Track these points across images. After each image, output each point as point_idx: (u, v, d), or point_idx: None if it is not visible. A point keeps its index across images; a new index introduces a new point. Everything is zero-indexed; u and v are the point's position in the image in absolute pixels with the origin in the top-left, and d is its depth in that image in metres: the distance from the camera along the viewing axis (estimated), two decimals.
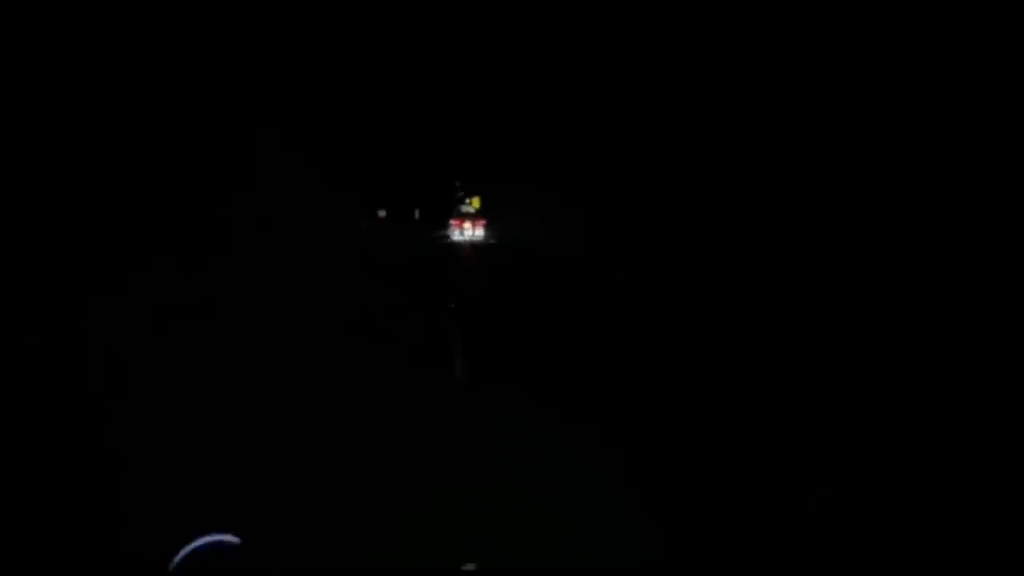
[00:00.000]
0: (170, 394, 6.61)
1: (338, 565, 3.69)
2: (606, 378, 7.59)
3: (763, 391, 6.75)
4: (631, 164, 17.09)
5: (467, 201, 39.55)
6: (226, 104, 16.75)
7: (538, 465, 5.10)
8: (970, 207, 8.83)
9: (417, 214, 40.82)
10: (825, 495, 4.38)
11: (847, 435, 5.48)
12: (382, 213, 35.51)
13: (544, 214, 25.52)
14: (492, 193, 36.85)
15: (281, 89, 20.33)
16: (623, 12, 16.57)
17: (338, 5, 23.71)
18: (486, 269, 17.24)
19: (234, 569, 1.60)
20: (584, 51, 18.86)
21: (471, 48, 28.99)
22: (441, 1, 28.57)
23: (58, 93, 12.41)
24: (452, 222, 37.20)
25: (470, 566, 2.64)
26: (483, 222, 37.42)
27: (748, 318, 9.79)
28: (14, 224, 11.19)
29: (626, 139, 17.38)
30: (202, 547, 1.59)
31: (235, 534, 1.64)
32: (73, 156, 12.69)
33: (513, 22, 24.48)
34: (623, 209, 17.12)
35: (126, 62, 13.99)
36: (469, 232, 36.42)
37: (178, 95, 15.32)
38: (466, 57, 29.98)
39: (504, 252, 22.62)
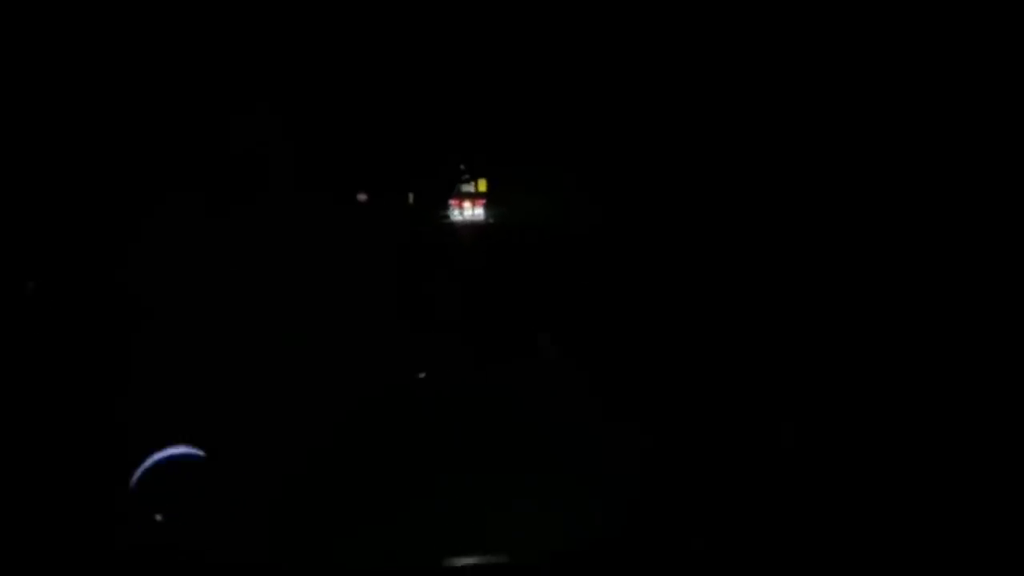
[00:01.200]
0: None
1: None
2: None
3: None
4: (649, 149, 16.79)
5: (470, 181, 39.57)
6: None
7: None
8: (971, 207, 8.78)
9: (411, 198, 39.91)
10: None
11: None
12: (363, 197, 33.66)
13: (555, 196, 25.40)
14: (501, 176, 36.86)
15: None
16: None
17: None
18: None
19: (198, 482, 1.63)
20: (601, 30, 18.57)
21: (481, 25, 28.65)
22: None
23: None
24: (451, 202, 37.71)
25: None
26: (482, 202, 37.88)
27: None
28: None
29: (642, 123, 17.10)
30: (165, 459, 1.61)
31: (201, 448, 1.66)
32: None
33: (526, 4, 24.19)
34: (637, 195, 16.85)
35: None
36: (468, 212, 37.00)
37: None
38: (475, 35, 29.64)
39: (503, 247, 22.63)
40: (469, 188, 23.43)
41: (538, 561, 3.29)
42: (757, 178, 13.07)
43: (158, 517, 1.55)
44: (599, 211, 17.93)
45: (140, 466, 1.59)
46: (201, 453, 1.62)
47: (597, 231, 17.29)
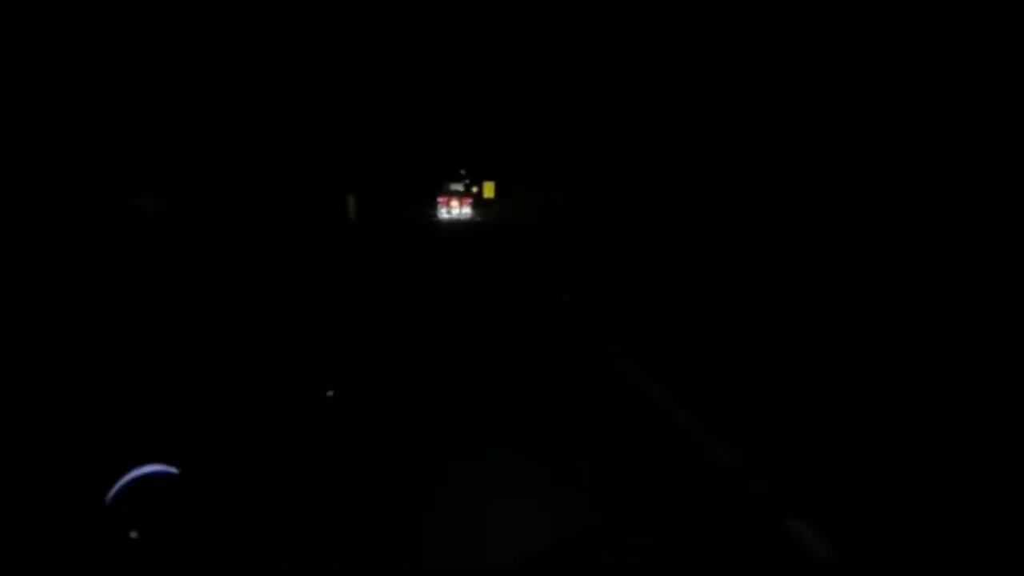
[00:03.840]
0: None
1: None
2: None
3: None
4: (645, 142, 16.45)
5: (467, 181, 39.93)
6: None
7: None
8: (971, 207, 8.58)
9: (353, 205, 25.05)
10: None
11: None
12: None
13: (548, 191, 25.00)
14: (492, 173, 36.94)
15: None
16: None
17: None
18: None
19: (172, 498, 1.58)
20: (594, 25, 18.31)
21: (475, 22, 28.24)
22: None
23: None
24: (439, 199, 38.01)
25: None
26: (470, 201, 38.06)
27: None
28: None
29: (635, 116, 16.81)
30: (140, 477, 1.56)
31: (175, 465, 1.62)
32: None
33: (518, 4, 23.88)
34: (631, 188, 16.49)
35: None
36: (456, 210, 37.20)
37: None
38: (467, 32, 29.25)
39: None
40: (457, 187, 23.95)
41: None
42: (749, 180, 12.86)
43: (133, 534, 1.50)
44: (593, 210, 17.63)
45: (115, 484, 1.54)
46: (174, 470, 1.58)
47: (591, 228, 17.00)
